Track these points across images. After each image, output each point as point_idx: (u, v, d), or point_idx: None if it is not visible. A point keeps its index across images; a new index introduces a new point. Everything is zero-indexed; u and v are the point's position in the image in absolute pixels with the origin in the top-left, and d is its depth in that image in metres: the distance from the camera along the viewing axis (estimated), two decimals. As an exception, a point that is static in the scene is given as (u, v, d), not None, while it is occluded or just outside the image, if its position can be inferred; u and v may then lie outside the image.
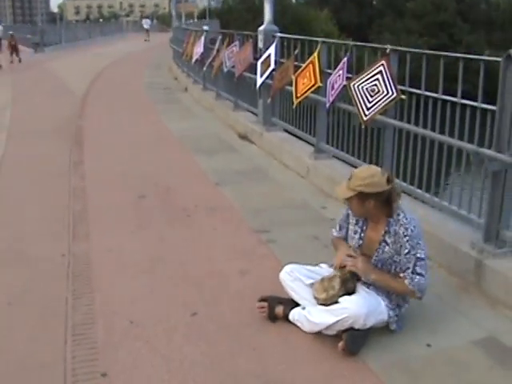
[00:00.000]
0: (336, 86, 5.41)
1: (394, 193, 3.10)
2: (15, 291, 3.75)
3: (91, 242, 4.53)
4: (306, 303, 3.22)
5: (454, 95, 4.01)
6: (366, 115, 4.83)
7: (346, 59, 5.31)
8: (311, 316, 3.12)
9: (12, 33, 24.38)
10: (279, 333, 3.21)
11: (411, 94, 4.54)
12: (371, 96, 4.75)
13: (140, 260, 4.19)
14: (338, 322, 2.99)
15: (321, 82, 5.83)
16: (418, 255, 3.05)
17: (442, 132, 4.20)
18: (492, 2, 43.56)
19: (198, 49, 11.43)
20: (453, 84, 3.93)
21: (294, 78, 6.31)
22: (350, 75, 5.20)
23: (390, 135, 4.87)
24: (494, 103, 3.64)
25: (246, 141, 7.97)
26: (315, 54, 5.91)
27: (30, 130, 9.18)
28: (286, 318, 3.27)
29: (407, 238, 3.06)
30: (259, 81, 7.57)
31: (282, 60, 7.11)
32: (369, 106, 4.79)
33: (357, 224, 3.30)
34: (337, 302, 3.06)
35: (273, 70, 7.22)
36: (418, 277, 3.06)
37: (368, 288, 3.16)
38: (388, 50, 4.63)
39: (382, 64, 4.64)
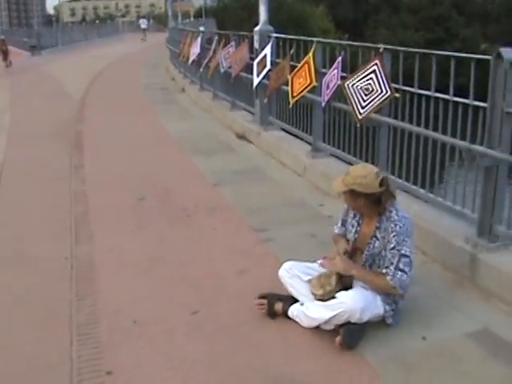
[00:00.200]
0: (331, 86, 5.48)
1: (386, 195, 3.18)
2: (20, 293, 3.84)
3: (93, 244, 4.62)
4: (305, 299, 3.30)
5: (449, 90, 4.06)
6: (360, 114, 4.90)
7: (340, 59, 5.39)
8: (309, 311, 3.21)
9: (3, 37, 24.17)
10: (278, 329, 3.29)
11: (405, 91, 4.61)
12: (366, 95, 4.83)
13: (141, 260, 4.28)
14: (334, 316, 3.07)
15: (316, 81, 5.90)
16: (403, 252, 3.13)
17: (435, 129, 4.27)
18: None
19: (195, 50, 11.47)
20: (447, 78, 3.96)
21: (289, 77, 6.38)
22: (344, 74, 5.27)
23: (385, 133, 4.94)
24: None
25: (244, 140, 8.04)
26: (310, 54, 5.98)
27: (29, 133, 9.25)
28: (285, 314, 3.35)
29: (394, 233, 3.14)
30: (256, 81, 7.63)
31: (277, 60, 7.17)
32: (363, 104, 4.87)
33: (354, 218, 3.42)
34: (334, 298, 3.14)
35: (269, 70, 7.28)
36: (400, 273, 3.12)
37: (365, 283, 3.24)
38: (381, 50, 4.70)
39: (376, 63, 4.71)
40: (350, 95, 5.01)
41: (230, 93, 9.53)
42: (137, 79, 16.55)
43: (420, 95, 4.39)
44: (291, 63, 6.52)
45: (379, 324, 3.23)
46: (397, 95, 4.61)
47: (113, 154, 7.68)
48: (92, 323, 3.42)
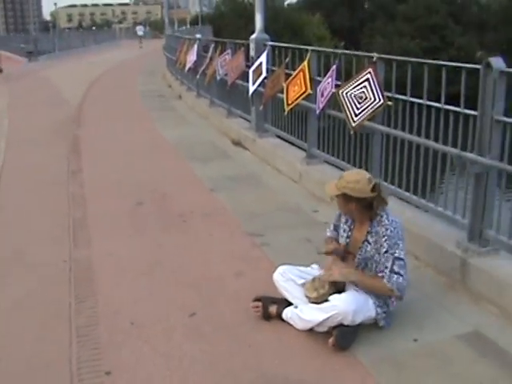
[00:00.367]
0: (325, 93, 5.58)
1: (377, 200, 3.27)
2: (19, 296, 3.91)
3: (91, 248, 4.69)
4: (299, 302, 3.38)
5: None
6: (354, 121, 4.99)
7: (335, 67, 5.48)
8: (303, 314, 3.28)
9: None
10: (273, 331, 3.37)
11: (397, 100, 4.70)
12: (359, 103, 4.92)
13: (139, 263, 4.35)
14: (328, 318, 3.15)
15: (311, 89, 5.99)
16: (396, 255, 3.20)
17: (427, 136, 4.35)
18: (483, 3, 43.81)
19: (191, 57, 11.56)
20: (440, 87, 4.06)
21: (285, 85, 6.46)
22: (338, 82, 5.36)
23: (378, 140, 5.03)
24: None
25: (240, 147, 8.12)
26: (305, 62, 6.07)
27: (27, 139, 9.32)
28: (279, 316, 3.42)
29: (386, 237, 3.22)
30: (251, 88, 7.71)
31: (273, 68, 7.26)
32: (357, 112, 4.95)
33: (346, 223, 3.50)
34: (327, 301, 3.22)
35: (264, 77, 7.36)
36: (395, 275, 3.20)
37: (357, 286, 3.32)
38: (375, 59, 4.80)
39: (369, 72, 4.80)
40: (344, 103, 5.10)
41: (226, 100, 9.62)
42: (134, 86, 16.64)
43: (412, 103, 4.48)
44: (286, 71, 6.60)
45: (372, 326, 3.31)
46: (389, 103, 4.70)
47: (110, 160, 7.75)
48: (91, 325, 3.49)
